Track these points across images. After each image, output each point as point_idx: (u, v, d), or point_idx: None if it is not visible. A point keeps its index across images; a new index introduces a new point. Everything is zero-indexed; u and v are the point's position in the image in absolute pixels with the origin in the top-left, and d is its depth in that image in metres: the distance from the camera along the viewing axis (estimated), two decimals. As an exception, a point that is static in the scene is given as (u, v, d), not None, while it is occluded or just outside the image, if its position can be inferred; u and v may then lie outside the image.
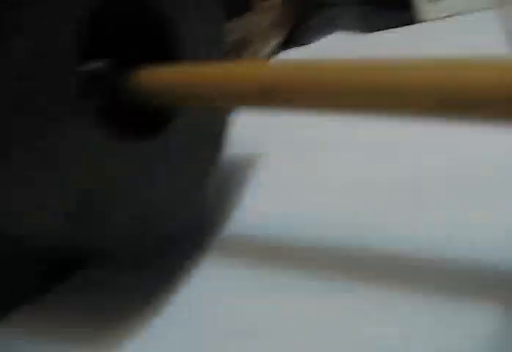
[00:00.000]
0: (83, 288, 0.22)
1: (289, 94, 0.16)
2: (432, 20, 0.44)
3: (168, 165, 0.21)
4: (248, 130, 0.30)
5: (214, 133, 0.24)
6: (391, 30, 0.44)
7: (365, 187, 0.24)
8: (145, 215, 0.19)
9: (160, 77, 0.20)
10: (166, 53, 0.22)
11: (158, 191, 0.20)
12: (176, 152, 0.21)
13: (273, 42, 0.44)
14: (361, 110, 0.15)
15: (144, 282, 0.22)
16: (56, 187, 0.16)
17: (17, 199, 0.15)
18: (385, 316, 0.17)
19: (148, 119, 0.22)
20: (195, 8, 0.23)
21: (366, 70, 0.14)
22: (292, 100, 0.16)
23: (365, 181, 0.24)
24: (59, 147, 0.16)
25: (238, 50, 0.40)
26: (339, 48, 0.43)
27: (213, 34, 0.25)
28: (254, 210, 0.25)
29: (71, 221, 0.17)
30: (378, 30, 0.46)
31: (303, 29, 0.49)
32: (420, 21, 0.44)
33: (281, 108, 0.17)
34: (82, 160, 0.17)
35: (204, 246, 0.23)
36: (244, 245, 0.22)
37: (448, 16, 0.44)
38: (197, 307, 0.19)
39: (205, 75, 0.19)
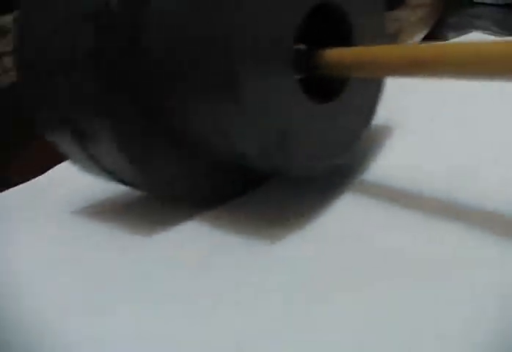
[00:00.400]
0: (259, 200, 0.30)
1: (431, 66, 0.24)
2: None
3: (336, 121, 0.30)
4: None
5: (371, 100, 0.33)
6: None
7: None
8: (320, 150, 0.28)
9: (340, 55, 0.29)
10: (344, 39, 0.31)
11: (327, 134, 0.29)
12: (343, 112, 0.31)
13: (417, 38, 0.52)
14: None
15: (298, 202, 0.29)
16: (262, 123, 0.25)
17: (239, 127, 0.24)
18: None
19: (328, 87, 0.31)
20: (365, 3, 0.32)
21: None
22: (433, 71, 0.25)
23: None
24: (270, 96, 0.24)
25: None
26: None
27: (379, 26, 0.34)
28: (390, 162, 0.31)
29: (271, 147, 0.25)
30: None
31: (444, 26, 0.56)
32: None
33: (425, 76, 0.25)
34: (281, 109, 0.25)
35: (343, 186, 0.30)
36: (379, 190, 0.29)
37: None
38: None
39: (372, 53, 0.28)
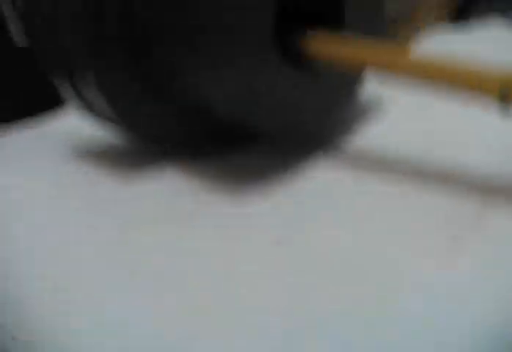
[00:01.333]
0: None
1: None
2: None
3: (314, 92, 0.31)
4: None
5: (352, 80, 0.33)
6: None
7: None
8: (291, 114, 0.30)
9: (319, 42, 0.29)
10: (336, 20, 0.31)
11: (302, 100, 0.30)
12: (320, 86, 0.31)
13: (435, 21, 0.51)
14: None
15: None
16: (228, 75, 0.26)
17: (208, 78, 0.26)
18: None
19: (307, 62, 0.31)
20: None
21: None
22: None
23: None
24: (247, 61, 0.26)
25: (401, 24, 0.47)
26: (491, 38, 0.50)
27: (376, 8, 0.34)
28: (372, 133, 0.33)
29: (236, 100, 0.27)
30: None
31: (465, 11, 0.55)
32: None
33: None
34: (252, 68, 0.27)
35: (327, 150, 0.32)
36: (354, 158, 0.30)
37: None
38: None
39: (350, 51, 0.28)
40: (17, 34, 0.42)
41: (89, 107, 0.31)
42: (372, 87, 0.35)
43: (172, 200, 0.29)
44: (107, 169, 0.33)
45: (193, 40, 0.26)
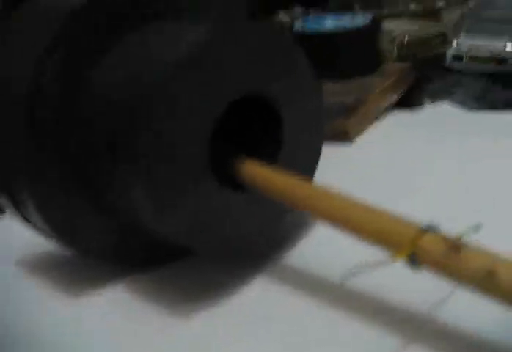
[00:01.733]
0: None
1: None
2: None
3: (252, 210, 0.32)
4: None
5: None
6: (491, 112, 0.52)
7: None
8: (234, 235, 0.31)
9: (250, 170, 0.31)
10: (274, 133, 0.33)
11: (243, 221, 0.31)
12: (258, 204, 0.32)
13: (385, 104, 0.53)
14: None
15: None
16: (172, 214, 0.28)
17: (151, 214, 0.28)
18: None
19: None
20: (301, 108, 0.34)
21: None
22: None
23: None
24: (186, 186, 0.28)
25: (349, 111, 0.50)
26: (438, 120, 0.52)
27: (314, 123, 0.35)
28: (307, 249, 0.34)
29: (189, 231, 0.29)
30: (489, 106, 0.54)
31: (420, 91, 0.57)
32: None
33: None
34: (200, 197, 0.29)
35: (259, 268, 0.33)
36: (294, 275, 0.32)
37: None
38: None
39: (273, 183, 0.30)
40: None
41: (32, 225, 0.33)
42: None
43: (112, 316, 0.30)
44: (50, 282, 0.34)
45: (135, 166, 0.27)
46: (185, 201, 0.28)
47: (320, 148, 0.36)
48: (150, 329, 0.29)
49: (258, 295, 0.31)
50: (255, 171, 0.31)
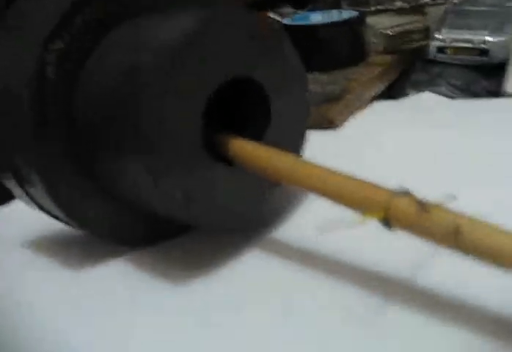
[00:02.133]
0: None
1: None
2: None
3: (240, 184, 0.34)
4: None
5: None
6: (474, 100, 0.54)
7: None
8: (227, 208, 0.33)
9: (237, 146, 0.33)
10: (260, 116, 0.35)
11: (234, 194, 0.33)
12: (249, 179, 0.34)
13: (371, 94, 0.55)
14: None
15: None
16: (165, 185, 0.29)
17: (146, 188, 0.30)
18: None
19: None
20: (288, 92, 0.36)
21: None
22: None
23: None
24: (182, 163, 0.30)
25: (334, 99, 0.51)
26: (422, 107, 0.53)
27: (299, 108, 0.37)
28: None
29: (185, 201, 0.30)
30: (470, 95, 0.55)
31: (405, 82, 0.59)
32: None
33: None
34: (192, 171, 0.30)
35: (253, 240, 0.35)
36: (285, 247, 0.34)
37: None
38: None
39: (264, 159, 0.32)
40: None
41: (39, 207, 0.34)
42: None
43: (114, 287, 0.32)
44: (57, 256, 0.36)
45: (133, 147, 0.29)
46: (179, 173, 0.30)
47: (305, 132, 0.38)
48: (149, 298, 0.31)
49: (250, 266, 0.33)
50: (241, 146, 0.33)
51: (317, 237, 0.32)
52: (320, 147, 0.41)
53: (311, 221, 0.35)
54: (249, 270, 0.33)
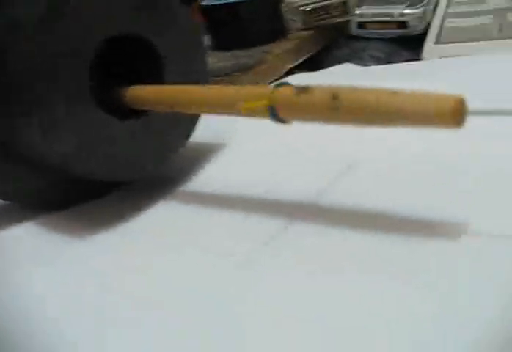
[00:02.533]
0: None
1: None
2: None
3: (143, 137, 0.32)
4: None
5: (182, 123, 0.35)
6: (394, 64, 0.53)
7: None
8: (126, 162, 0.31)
9: (136, 93, 0.31)
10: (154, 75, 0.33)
11: (134, 148, 0.31)
12: (149, 131, 0.33)
13: (287, 66, 0.54)
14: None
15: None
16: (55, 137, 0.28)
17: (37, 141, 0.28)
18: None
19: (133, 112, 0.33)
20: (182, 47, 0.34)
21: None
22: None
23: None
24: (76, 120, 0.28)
25: (244, 70, 0.50)
26: (340, 77, 0.52)
27: (194, 61, 0.36)
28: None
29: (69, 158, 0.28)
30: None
31: (325, 57, 0.58)
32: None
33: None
34: (83, 125, 0.29)
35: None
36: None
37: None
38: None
39: (159, 91, 0.30)
40: None
41: None
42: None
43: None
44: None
45: (22, 101, 0.27)
46: (69, 126, 0.29)
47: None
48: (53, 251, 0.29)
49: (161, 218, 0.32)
50: (139, 90, 0.31)
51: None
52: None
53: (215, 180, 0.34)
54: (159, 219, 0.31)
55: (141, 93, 0.31)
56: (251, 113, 0.24)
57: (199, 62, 0.35)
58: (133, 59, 0.34)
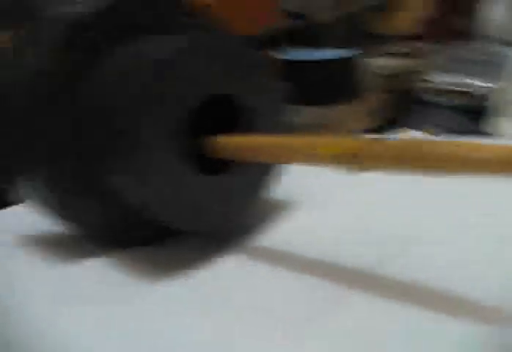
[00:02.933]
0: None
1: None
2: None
3: (225, 192, 0.35)
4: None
5: (261, 176, 0.37)
6: (457, 136, 0.54)
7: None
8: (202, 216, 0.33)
9: (223, 142, 0.33)
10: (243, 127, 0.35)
11: (215, 200, 0.34)
12: (234, 185, 0.35)
13: (355, 127, 0.56)
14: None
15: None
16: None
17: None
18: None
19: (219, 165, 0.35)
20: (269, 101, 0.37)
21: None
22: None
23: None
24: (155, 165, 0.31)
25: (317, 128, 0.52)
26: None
27: (277, 119, 0.38)
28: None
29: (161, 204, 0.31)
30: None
31: (393, 122, 0.60)
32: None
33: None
34: (169, 177, 0.31)
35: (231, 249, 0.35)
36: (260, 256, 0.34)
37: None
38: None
39: (248, 141, 0.32)
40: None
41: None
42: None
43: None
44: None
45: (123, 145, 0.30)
46: (158, 177, 0.31)
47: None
48: (127, 295, 0.31)
49: (225, 271, 0.33)
50: (228, 140, 0.34)
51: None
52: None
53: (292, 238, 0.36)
54: (225, 273, 0.33)
55: (229, 142, 0.33)
56: (335, 160, 0.26)
57: (283, 115, 0.38)
58: (219, 112, 0.37)
